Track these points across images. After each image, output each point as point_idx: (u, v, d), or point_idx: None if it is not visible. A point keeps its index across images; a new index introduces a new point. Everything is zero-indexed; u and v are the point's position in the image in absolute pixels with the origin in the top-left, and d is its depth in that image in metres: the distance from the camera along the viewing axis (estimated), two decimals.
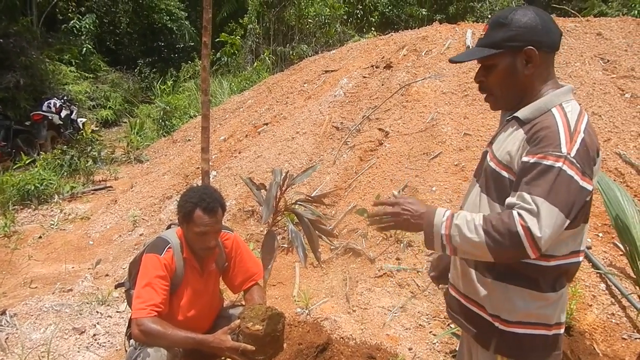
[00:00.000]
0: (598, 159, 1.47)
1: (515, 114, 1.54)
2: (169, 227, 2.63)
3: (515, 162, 1.47)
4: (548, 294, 1.50)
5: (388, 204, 1.59)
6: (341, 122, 5.86)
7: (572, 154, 1.37)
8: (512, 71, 1.52)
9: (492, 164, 1.56)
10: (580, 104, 1.53)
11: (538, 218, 1.34)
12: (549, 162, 1.37)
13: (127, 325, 2.56)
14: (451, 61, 1.69)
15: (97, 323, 3.65)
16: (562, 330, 1.56)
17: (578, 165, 1.37)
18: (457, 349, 3.03)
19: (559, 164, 1.36)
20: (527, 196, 1.38)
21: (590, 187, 1.40)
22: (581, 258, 1.57)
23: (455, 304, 1.73)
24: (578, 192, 1.38)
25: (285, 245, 4.43)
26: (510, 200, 1.43)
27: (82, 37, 15.06)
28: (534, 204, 1.35)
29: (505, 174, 1.50)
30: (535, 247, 1.36)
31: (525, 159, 1.42)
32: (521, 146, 1.46)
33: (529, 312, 1.50)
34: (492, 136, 1.68)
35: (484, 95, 1.65)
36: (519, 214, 1.37)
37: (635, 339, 3.05)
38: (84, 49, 14.67)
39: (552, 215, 1.35)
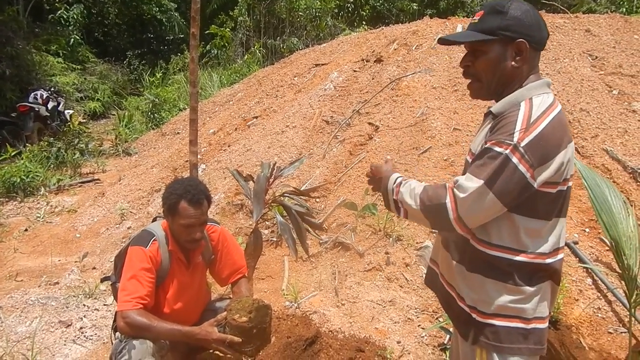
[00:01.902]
0: (565, 150, 1.48)
1: (490, 109, 1.58)
2: (154, 219, 2.61)
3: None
4: (523, 288, 1.52)
5: (370, 171, 1.80)
6: (331, 116, 5.85)
7: (523, 144, 1.41)
8: (501, 61, 1.54)
9: (467, 157, 1.66)
10: (555, 98, 1.55)
11: (469, 197, 1.44)
12: (498, 149, 1.43)
13: (113, 318, 2.54)
14: (440, 41, 1.69)
15: (84, 316, 3.61)
16: (542, 325, 1.56)
17: (526, 157, 1.41)
18: (445, 342, 3.05)
19: (506, 152, 1.42)
20: (470, 176, 1.47)
21: (529, 177, 1.43)
22: (560, 256, 1.58)
23: (437, 281, 1.79)
24: (519, 181, 1.42)
25: (274, 239, 4.42)
26: (457, 177, 1.51)
27: (70, 28, 14.85)
28: (472, 183, 1.44)
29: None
30: (460, 222, 1.47)
31: (484, 145, 1.50)
32: (485, 135, 1.54)
33: (505, 305, 1.53)
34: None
35: (468, 80, 1.66)
36: (453, 189, 1.48)
37: (621, 333, 3.08)
38: (72, 39, 14.46)
39: (485, 198, 1.43)
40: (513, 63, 1.53)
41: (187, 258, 2.47)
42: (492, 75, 1.57)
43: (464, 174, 1.63)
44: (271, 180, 2.50)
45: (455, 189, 1.47)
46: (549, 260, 1.54)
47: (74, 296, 3.85)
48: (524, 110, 1.46)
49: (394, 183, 1.65)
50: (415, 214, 1.57)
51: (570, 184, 1.55)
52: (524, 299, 1.52)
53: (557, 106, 1.52)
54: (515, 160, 1.41)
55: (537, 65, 1.58)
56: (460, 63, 1.66)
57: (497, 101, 1.59)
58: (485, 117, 1.64)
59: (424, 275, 1.99)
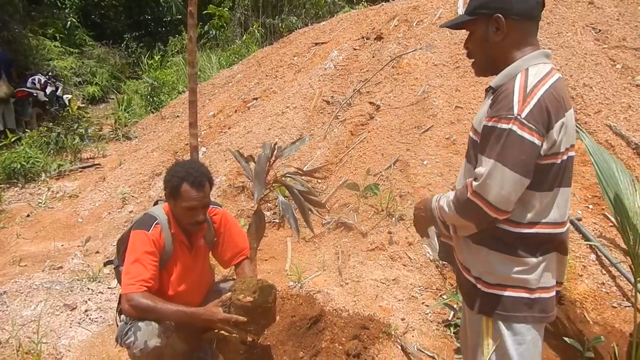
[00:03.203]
0: (564, 118, 1.50)
1: (490, 84, 1.60)
2: (156, 203, 2.60)
3: (482, 126, 1.54)
4: (527, 259, 1.54)
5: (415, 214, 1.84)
6: (332, 96, 5.79)
7: (523, 114, 1.43)
8: (485, 38, 1.59)
9: (470, 134, 1.66)
10: (553, 67, 1.56)
11: (489, 180, 1.44)
12: (501, 125, 1.45)
13: (118, 301, 2.55)
14: (441, 26, 1.76)
15: (89, 299, 3.63)
16: (547, 294, 1.58)
17: (530, 125, 1.42)
18: (449, 318, 3.07)
19: (509, 126, 1.43)
20: (481, 161, 1.49)
21: (540, 143, 1.45)
22: (563, 229, 1.59)
23: (452, 254, 1.82)
24: (531, 150, 1.44)
25: (277, 220, 4.42)
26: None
27: (66, 11, 14.68)
28: (485, 167, 1.45)
29: (477, 139, 1.57)
30: (493, 208, 1.46)
31: (484, 122, 1.51)
32: (486, 111, 1.54)
33: (508, 276, 1.55)
34: None
35: (470, 58, 1.71)
36: (470, 183, 1.50)
37: (625, 307, 3.09)
38: (69, 22, 14.31)
39: (503, 175, 1.43)
40: (495, 38, 1.57)
41: (189, 241, 2.47)
42: (482, 53, 1.64)
43: (468, 151, 1.67)
44: (272, 160, 2.47)
45: (473, 181, 1.49)
46: (554, 231, 1.56)
47: (78, 280, 3.87)
48: (519, 81, 1.48)
49: (435, 202, 1.68)
50: (456, 221, 1.59)
51: (572, 153, 1.55)
52: (528, 269, 1.54)
53: (555, 74, 1.53)
54: (520, 131, 1.42)
55: (529, 36, 1.58)
56: (464, 45, 1.72)
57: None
58: (486, 92, 1.64)
59: (437, 251, 2.03)
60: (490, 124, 1.48)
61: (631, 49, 5.24)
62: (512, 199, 1.46)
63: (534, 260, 1.54)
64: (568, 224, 1.61)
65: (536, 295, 1.56)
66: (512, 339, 1.57)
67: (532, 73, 1.50)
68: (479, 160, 1.51)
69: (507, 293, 1.55)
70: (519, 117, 1.42)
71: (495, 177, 1.43)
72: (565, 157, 1.53)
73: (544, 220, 1.54)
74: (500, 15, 1.53)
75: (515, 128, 1.42)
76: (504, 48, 1.57)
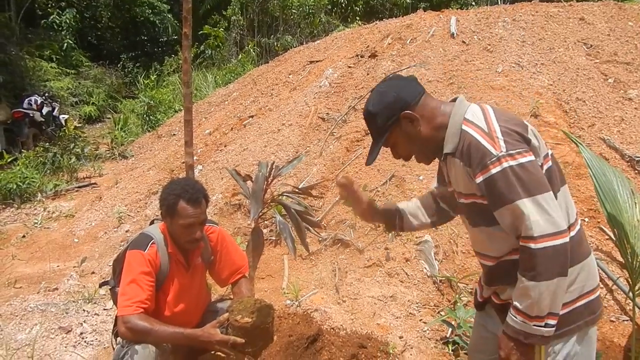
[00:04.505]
0: (527, 126, 1.57)
1: (444, 152, 1.63)
2: (152, 222, 2.59)
3: (475, 187, 1.54)
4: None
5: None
6: (327, 113, 5.83)
7: (503, 148, 1.46)
8: (408, 136, 1.66)
9: (463, 200, 1.66)
10: (473, 103, 1.64)
11: (533, 218, 1.41)
12: (496, 169, 1.46)
13: (113, 323, 2.52)
14: (367, 164, 1.79)
15: (84, 321, 3.59)
16: (586, 299, 1.59)
17: (516, 151, 1.46)
18: (447, 335, 3.04)
19: (503, 165, 1.45)
20: (504, 210, 1.46)
21: (534, 157, 1.48)
22: (575, 231, 1.58)
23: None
24: (534, 167, 1.46)
25: (273, 238, 4.41)
26: (506, 229, 1.51)
27: (63, 33, 14.80)
28: (521, 209, 1.42)
29: (478, 200, 1.57)
30: (560, 234, 1.41)
31: (477, 180, 1.51)
32: (465, 172, 1.56)
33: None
34: (445, 177, 1.76)
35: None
36: (522, 241, 1.44)
37: (623, 321, 3.08)
38: (65, 44, 14.41)
39: (538, 204, 1.42)
40: (417, 129, 1.63)
41: (186, 260, 2.45)
42: (417, 147, 1.70)
43: (470, 216, 1.69)
44: (270, 179, 2.47)
45: (522, 236, 1.45)
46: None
47: (73, 301, 3.83)
48: (473, 131, 1.53)
49: (516, 322, 1.50)
50: (549, 292, 1.43)
51: (549, 164, 1.57)
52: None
53: (485, 105, 1.62)
54: (514, 162, 1.45)
55: (433, 101, 1.66)
56: (395, 158, 1.79)
57: (443, 149, 1.65)
58: (445, 160, 1.67)
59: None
60: (484, 177, 1.48)
61: (622, 63, 5.31)
62: (560, 214, 1.44)
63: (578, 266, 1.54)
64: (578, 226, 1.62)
65: (576, 304, 1.57)
66: (565, 353, 1.57)
67: (472, 117, 1.57)
68: (501, 212, 1.48)
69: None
70: (502, 152, 1.46)
71: (534, 211, 1.42)
72: (550, 156, 1.59)
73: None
74: (405, 111, 1.61)
75: (509, 163, 1.45)
76: (428, 128, 1.64)
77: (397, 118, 1.63)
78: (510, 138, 1.48)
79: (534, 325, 1.46)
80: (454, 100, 1.67)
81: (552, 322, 1.47)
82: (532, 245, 1.41)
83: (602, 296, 3.25)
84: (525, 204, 1.42)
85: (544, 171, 1.52)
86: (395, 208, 2.04)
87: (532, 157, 1.47)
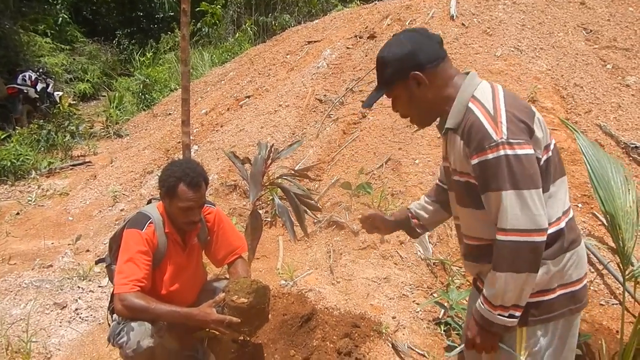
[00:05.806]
0: (535, 114, 1.55)
1: (446, 126, 1.61)
2: (149, 202, 2.59)
3: (470, 168, 1.53)
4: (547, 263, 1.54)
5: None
6: (324, 95, 5.80)
7: (505, 135, 1.44)
8: (411, 96, 1.63)
9: (457, 177, 1.63)
10: (484, 81, 1.60)
11: (514, 211, 1.42)
12: (492, 155, 1.44)
13: (109, 299, 2.54)
14: (363, 107, 1.79)
15: (79, 298, 3.61)
16: (567, 290, 1.59)
17: (516, 140, 1.44)
18: (439, 316, 3.09)
19: (500, 152, 1.43)
20: (490, 195, 1.46)
21: (533, 151, 1.47)
22: (568, 217, 1.60)
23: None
24: (530, 161, 1.45)
25: (269, 219, 4.42)
26: (489, 214, 1.50)
27: (58, 7, 14.53)
28: (505, 201, 1.43)
29: (472, 180, 1.56)
30: (537, 232, 1.42)
31: (472, 161, 1.50)
32: (463, 151, 1.55)
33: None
34: (443, 152, 1.75)
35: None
36: (498, 227, 1.46)
37: (612, 304, 3.13)
38: (60, 18, 14.17)
39: (523, 198, 1.42)
40: (422, 92, 1.60)
41: (183, 240, 2.46)
42: (415, 110, 1.68)
43: (459, 195, 1.67)
44: (268, 162, 2.46)
45: (498, 223, 1.46)
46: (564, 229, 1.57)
47: (68, 278, 3.85)
48: (478, 109, 1.51)
49: (481, 305, 1.56)
50: (516, 284, 1.46)
51: (549, 155, 1.56)
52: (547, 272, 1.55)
53: (496, 85, 1.58)
54: (512, 151, 1.43)
55: (449, 70, 1.63)
56: (393, 110, 1.76)
57: (442, 119, 1.65)
58: (446, 134, 1.65)
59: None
60: (479, 159, 1.48)
61: (621, 49, 5.28)
62: (543, 213, 1.44)
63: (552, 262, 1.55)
64: (570, 215, 1.63)
65: (556, 293, 1.58)
66: (548, 338, 1.59)
67: (481, 96, 1.54)
68: (487, 197, 1.49)
69: (550, 296, 1.56)
70: (502, 139, 1.44)
71: (517, 204, 1.42)
72: (552, 147, 1.57)
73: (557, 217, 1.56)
74: (415, 72, 1.57)
75: (507, 151, 1.43)
76: (435, 95, 1.60)
77: (405, 75, 1.59)
78: (513, 126, 1.46)
79: (498, 315, 1.51)
80: (467, 73, 1.64)
81: (517, 313, 1.50)
82: (503, 237, 1.45)
83: (593, 280, 3.30)
84: (509, 196, 1.42)
85: (542, 162, 1.51)
86: (406, 209, 2.08)
87: (531, 151, 1.46)
